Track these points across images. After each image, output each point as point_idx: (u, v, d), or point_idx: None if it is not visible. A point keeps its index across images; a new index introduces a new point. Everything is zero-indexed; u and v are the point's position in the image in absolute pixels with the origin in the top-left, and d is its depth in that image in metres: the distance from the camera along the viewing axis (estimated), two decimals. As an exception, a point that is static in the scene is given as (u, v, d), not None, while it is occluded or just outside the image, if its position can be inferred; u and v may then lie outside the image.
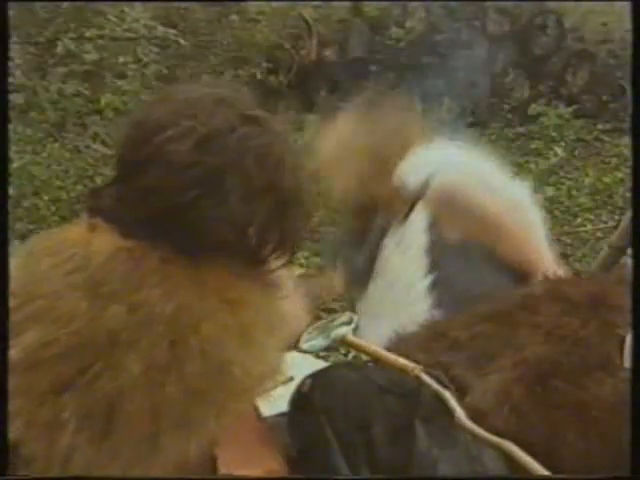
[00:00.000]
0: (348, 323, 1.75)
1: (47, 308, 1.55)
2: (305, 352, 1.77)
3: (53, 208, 5.64)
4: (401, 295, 2.40)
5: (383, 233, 2.54)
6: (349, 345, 1.81)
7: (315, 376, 1.77)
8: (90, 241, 1.58)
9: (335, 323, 1.75)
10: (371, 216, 2.56)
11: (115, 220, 1.59)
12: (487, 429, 1.68)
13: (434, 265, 2.43)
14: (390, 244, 2.53)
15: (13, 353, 1.53)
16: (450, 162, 2.52)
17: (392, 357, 1.71)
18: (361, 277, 2.57)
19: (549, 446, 1.66)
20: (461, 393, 1.73)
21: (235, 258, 1.62)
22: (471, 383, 1.82)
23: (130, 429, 1.50)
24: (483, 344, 1.93)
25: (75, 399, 1.50)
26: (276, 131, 1.63)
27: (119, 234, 1.58)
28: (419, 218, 2.50)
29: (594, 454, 1.79)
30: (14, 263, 1.64)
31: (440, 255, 2.44)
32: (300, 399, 1.76)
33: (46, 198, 5.73)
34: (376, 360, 1.69)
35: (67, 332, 1.53)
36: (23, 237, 5.18)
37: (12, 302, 1.57)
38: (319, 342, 1.74)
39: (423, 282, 2.40)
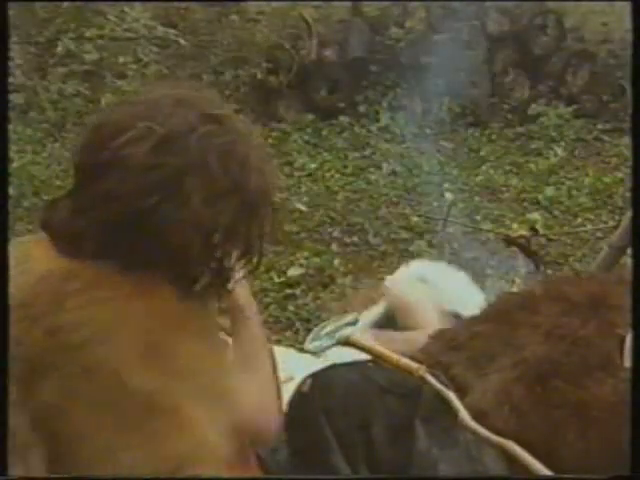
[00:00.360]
0: (353, 324, 1.75)
1: None
2: (310, 353, 1.77)
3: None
4: None
5: None
6: (354, 345, 1.81)
7: (315, 376, 1.77)
8: (29, 258, 1.53)
9: (340, 324, 1.75)
10: None
11: (60, 235, 1.53)
12: (487, 429, 1.68)
13: None
14: None
15: None
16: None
17: (396, 357, 1.72)
18: None
19: (549, 446, 1.66)
20: (461, 393, 1.73)
21: (185, 279, 1.55)
22: (471, 383, 1.83)
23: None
24: (483, 344, 1.94)
25: None
26: (240, 130, 1.57)
27: (56, 251, 1.52)
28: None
29: (594, 454, 1.79)
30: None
31: None
32: (300, 399, 1.76)
33: (46, 198, 5.72)
34: (380, 360, 1.69)
35: None
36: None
37: None
38: (324, 342, 1.74)
39: None
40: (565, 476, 1.63)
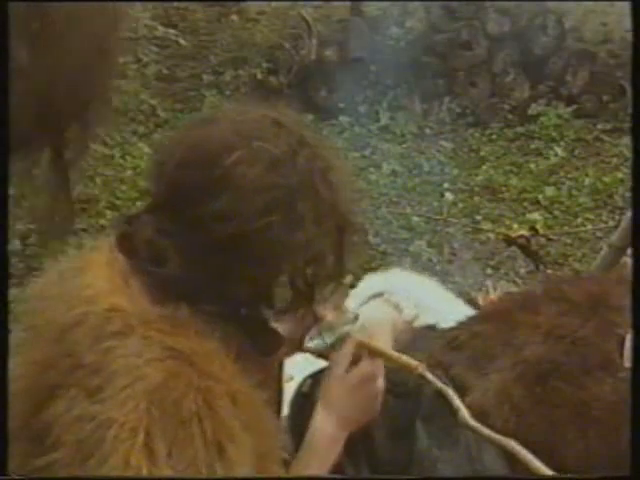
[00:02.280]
0: (352, 322, 1.74)
1: (26, 341, 1.50)
2: (310, 352, 1.77)
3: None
4: None
5: None
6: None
7: (315, 376, 1.77)
8: (93, 284, 1.46)
9: (339, 322, 1.75)
10: None
11: (140, 253, 1.46)
12: (487, 428, 1.68)
13: None
14: None
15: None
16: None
17: (396, 355, 1.71)
18: None
19: (549, 445, 1.66)
20: (461, 393, 1.73)
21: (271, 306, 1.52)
22: (471, 383, 1.83)
23: None
24: (483, 344, 1.94)
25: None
26: (331, 154, 1.56)
27: (121, 280, 1.45)
28: None
29: (594, 454, 1.79)
30: (42, 278, 1.58)
31: None
32: (300, 399, 1.76)
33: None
34: (380, 357, 1.68)
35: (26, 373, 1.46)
36: (23, 237, 5.18)
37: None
38: (324, 341, 1.74)
39: None
40: (565, 476, 1.63)
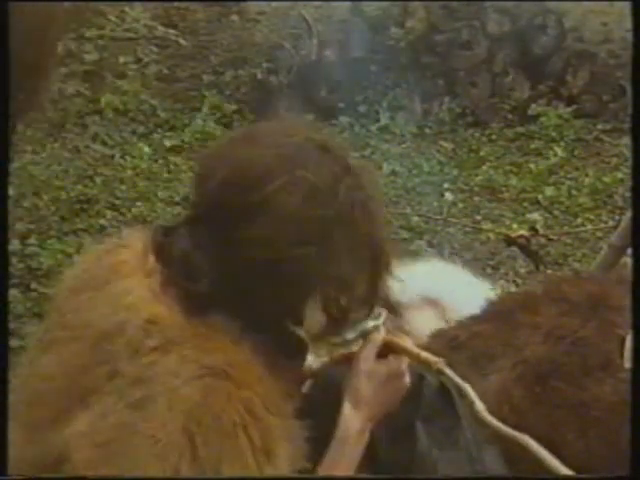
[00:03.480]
0: (376, 318, 1.75)
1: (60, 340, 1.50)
2: (335, 345, 1.77)
3: (53, 208, 5.63)
4: None
5: None
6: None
7: (315, 376, 1.77)
8: (130, 290, 1.47)
9: (363, 318, 1.75)
10: None
11: (175, 265, 1.47)
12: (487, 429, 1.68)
13: None
14: None
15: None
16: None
17: (416, 350, 1.72)
18: None
19: (549, 446, 1.66)
20: (461, 393, 1.73)
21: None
22: (471, 383, 1.82)
23: None
24: (483, 344, 1.94)
25: None
26: (373, 183, 1.56)
27: (161, 291, 1.46)
28: None
29: (594, 454, 1.79)
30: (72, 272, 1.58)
31: None
32: (300, 399, 1.76)
33: (46, 198, 5.72)
34: (400, 352, 1.69)
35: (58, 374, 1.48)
36: (23, 237, 5.18)
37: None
38: (347, 335, 1.74)
39: None
40: (565, 476, 1.63)
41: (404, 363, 1.68)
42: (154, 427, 1.38)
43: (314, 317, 1.55)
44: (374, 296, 1.59)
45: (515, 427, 1.70)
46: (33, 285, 4.60)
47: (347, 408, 1.65)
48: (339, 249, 1.48)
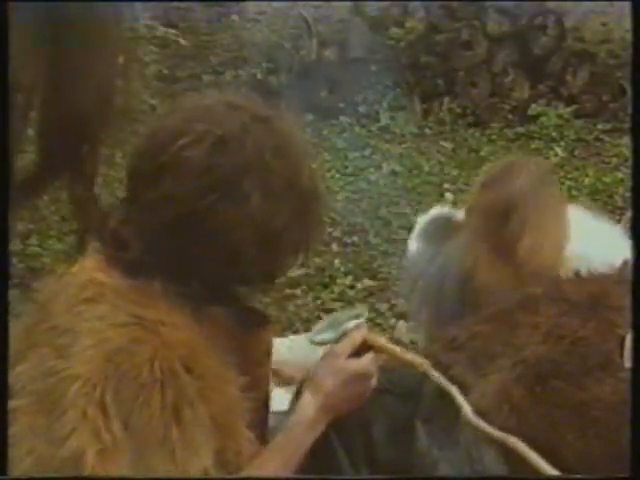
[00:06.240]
0: (358, 317, 1.75)
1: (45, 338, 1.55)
2: (316, 345, 1.77)
3: (53, 208, 5.63)
4: None
5: None
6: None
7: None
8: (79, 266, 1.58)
9: (346, 317, 1.75)
10: None
11: (109, 244, 1.57)
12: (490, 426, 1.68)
13: None
14: None
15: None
16: None
17: (400, 351, 1.72)
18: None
19: (549, 446, 1.66)
20: (461, 393, 1.73)
21: (234, 283, 1.57)
22: (471, 383, 1.83)
23: None
24: (483, 344, 1.94)
25: None
26: (289, 130, 1.60)
27: (105, 264, 1.56)
28: None
29: (594, 454, 1.79)
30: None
31: None
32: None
33: (46, 198, 5.72)
34: (384, 353, 1.69)
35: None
36: (23, 237, 5.18)
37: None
38: (329, 335, 1.74)
39: None
40: (565, 476, 1.63)
41: (374, 364, 1.68)
42: (74, 365, 1.45)
43: (251, 271, 1.58)
44: (304, 244, 1.62)
45: (515, 427, 1.70)
46: (33, 285, 4.61)
47: (306, 395, 1.67)
48: (251, 195, 1.52)
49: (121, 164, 6.08)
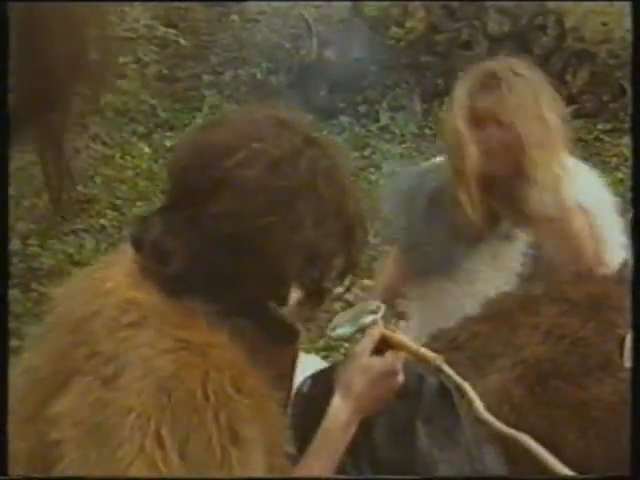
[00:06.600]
0: (375, 312, 1.75)
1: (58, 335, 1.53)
2: (334, 339, 1.78)
3: (53, 208, 5.64)
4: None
5: (476, 241, 2.54)
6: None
7: (315, 376, 1.77)
8: (109, 277, 1.52)
9: (362, 311, 1.76)
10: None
11: (149, 254, 1.51)
12: (487, 429, 1.68)
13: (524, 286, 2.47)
14: (484, 255, 2.54)
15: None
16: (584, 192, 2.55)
17: (414, 346, 1.71)
18: (429, 272, 2.57)
19: (549, 445, 1.66)
20: (461, 393, 1.73)
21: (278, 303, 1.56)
22: (471, 383, 1.83)
23: None
24: (483, 344, 1.94)
25: None
26: (338, 154, 1.58)
27: (141, 278, 1.51)
28: (524, 240, 2.54)
29: (594, 454, 1.79)
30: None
31: (529, 282, 2.47)
32: (300, 399, 1.76)
33: (46, 198, 5.73)
34: (399, 349, 1.69)
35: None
36: (23, 237, 5.19)
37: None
38: (346, 329, 1.74)
39: None
40: (565, 476, 1.63)
41: (399, 361, 1.68)
42: (126, 397, 1.40)
43: (290, 293, 1.56)
44: (350, 267, 1.60)
45: (515, 427, 1.70)
46: (33, 285, 4.61)
47: (336, 399, 1.65)
48: (304, 219, 1.50)
49: (122, 164, 6.10)
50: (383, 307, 1.77)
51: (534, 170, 2.45)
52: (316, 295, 1.59)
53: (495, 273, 2.53)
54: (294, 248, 1.50)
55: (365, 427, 1.71)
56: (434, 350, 1.91)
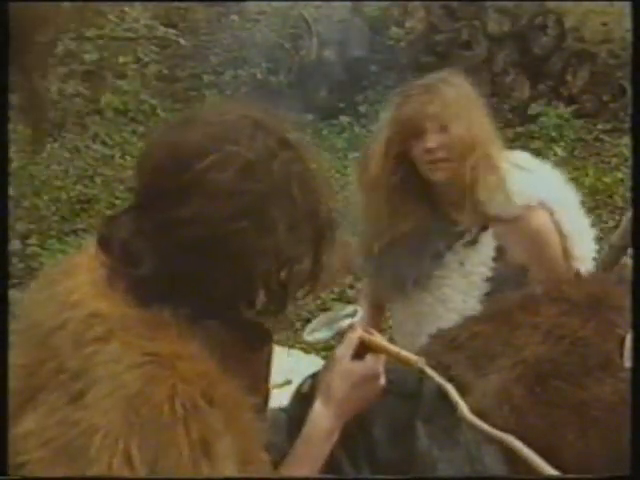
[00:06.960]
0: (352, 315, 1.74)
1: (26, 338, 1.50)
2: (309, 343, 1.77)
3: (53, 208, 5.64)
4: (450, 315, 2.40)
5: (444, 249, 2.55)
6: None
7: (315, 376, 1.77)
8: (76, 287, 1.48)
9: (339, 315, 1.75)
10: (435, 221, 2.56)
11: (117, 255, 1.47)
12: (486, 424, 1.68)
13: (493, 292, 2.49)
14: (451, 262, 2.55)
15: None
16: (542, 192, 2.56)
17: (395, 349, 1.71)
18: (403, 284, 2.57)
19: (549, 446, 1.66)
20: (461, 393, 1.72)
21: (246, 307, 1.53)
22: (471, 383, 1.83)
23: None
24: (483, 344, 1.94)
25: None
26: (310, 156, 1.55)
27: (107, 284, 1.46)
28: (489, 243, 2.54)
29: (594, 454, 1.79)
30: (34, 284, 1.59)
31: (499, 285, 2.49)
32: (300, 399, 1.76)
33: (46, 198, 5.73)
34: (379, 351, 1.68)
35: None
36: (23, 237, 5.19)
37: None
38: (323, 334, 1.74)
39: (477, 307, 2.42)
40: (565, 476, 1.63)
41: (380, 364, 1.67)
42: (93, 415, 1.37)
43: (258, 296, 1.54)
44: (319, 271, 1.57)
45: (515, 427, 1.70)
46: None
47: (318, 405, 1.64)
48: (276, 223, 1.47)
49: (122, 164, 6.10)
50: (360, 310, 1.76)
51: (476, 172, 2.47)
52: (279, 299, 1.55)
53: (462, 279, 2.54)
54: (265, 252, 1.47)
55: (365, 427, 1.71)
56: (434, 350, 1.91)
